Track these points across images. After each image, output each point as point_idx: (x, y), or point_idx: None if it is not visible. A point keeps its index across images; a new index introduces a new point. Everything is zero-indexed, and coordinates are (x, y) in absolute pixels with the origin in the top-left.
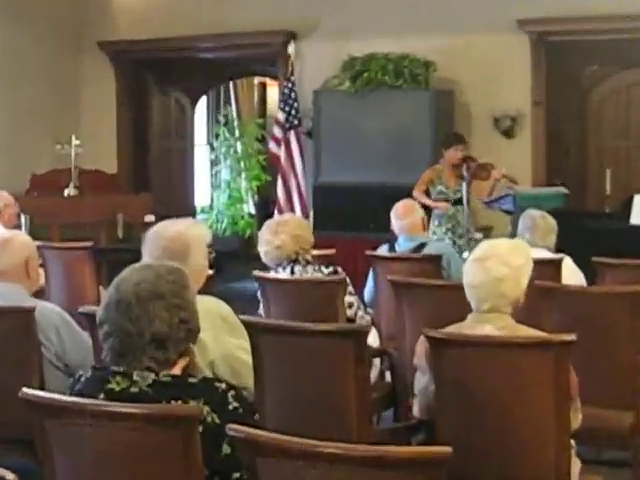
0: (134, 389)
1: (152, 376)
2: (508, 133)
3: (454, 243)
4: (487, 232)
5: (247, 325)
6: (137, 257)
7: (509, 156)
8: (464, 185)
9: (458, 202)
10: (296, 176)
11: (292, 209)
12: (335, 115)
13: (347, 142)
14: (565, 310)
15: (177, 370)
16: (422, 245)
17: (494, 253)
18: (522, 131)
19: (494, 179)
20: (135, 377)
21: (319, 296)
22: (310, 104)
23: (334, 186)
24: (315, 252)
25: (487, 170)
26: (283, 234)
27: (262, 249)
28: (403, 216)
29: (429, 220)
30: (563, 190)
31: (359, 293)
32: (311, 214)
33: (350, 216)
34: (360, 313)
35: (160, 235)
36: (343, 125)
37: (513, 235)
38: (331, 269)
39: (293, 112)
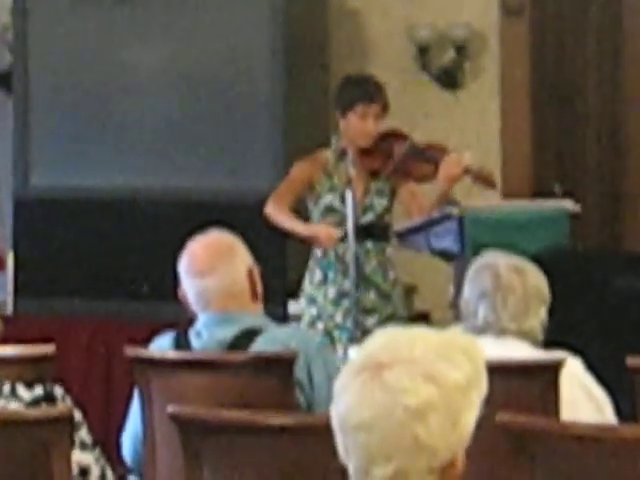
0: None
1: None
2: (449, 78)
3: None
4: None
5: None
6: None
7: (450, 129)
8: (379, 186)
9: (368, 233)
10: None
11: None
12: (63, 39)
13: (92, 100)
14: (566, 475)
15: None
16: (250, 333)
17: (403, 355)
18: (480, 74)
19: (448, 176)
20: None
21: (9, 455)
22: (7, 15)
23: (61, 199)
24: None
25: (432, 159)
26: None
27: None
28: (206, 270)
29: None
30: (567, 205)
31: (112, 442)
32: (9, 263)
33: (94, 267)
34: None
35: None
36: (82, 62)
37: (456, 307)
38: (40, 391)
39: None
